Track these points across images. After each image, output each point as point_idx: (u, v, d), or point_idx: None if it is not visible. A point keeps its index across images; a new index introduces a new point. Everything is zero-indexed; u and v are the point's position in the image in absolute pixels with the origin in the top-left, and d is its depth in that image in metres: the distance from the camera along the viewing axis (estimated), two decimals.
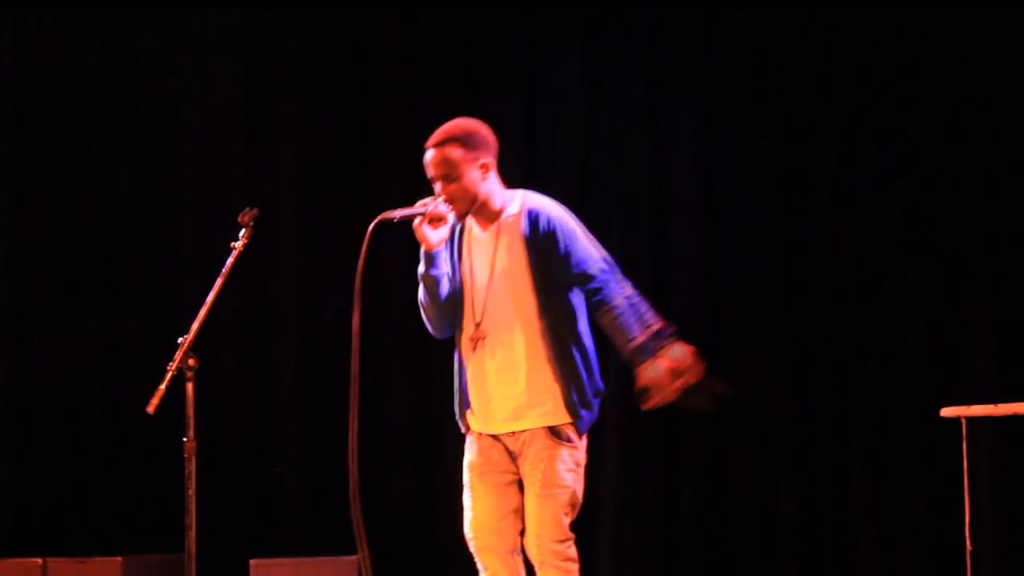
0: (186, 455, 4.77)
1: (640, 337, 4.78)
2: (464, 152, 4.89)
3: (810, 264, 7.24)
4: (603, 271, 4.87)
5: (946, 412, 6.04)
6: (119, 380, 7.90)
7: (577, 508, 4.88)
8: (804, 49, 7.29)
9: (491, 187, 4.95)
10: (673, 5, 7.45)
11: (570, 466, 4.87)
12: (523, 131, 7.60)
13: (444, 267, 4.95)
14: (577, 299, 4.91)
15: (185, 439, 4.77)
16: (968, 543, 6.03)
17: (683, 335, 7.11)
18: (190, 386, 4.74)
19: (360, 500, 4.87)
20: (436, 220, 4.87)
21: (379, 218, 4.82)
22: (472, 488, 4.99)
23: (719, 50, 7.41)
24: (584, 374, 4.88)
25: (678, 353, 4.78)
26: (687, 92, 7.43)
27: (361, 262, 4.86)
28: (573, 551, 4.86)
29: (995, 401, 6.06)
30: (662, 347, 4.77)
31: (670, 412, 7.18)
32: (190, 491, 4.76)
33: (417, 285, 4.99)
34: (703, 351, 7.18)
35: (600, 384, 4.93)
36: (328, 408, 7.78)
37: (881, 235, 7.15)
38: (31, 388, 8.07)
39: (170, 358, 4.71)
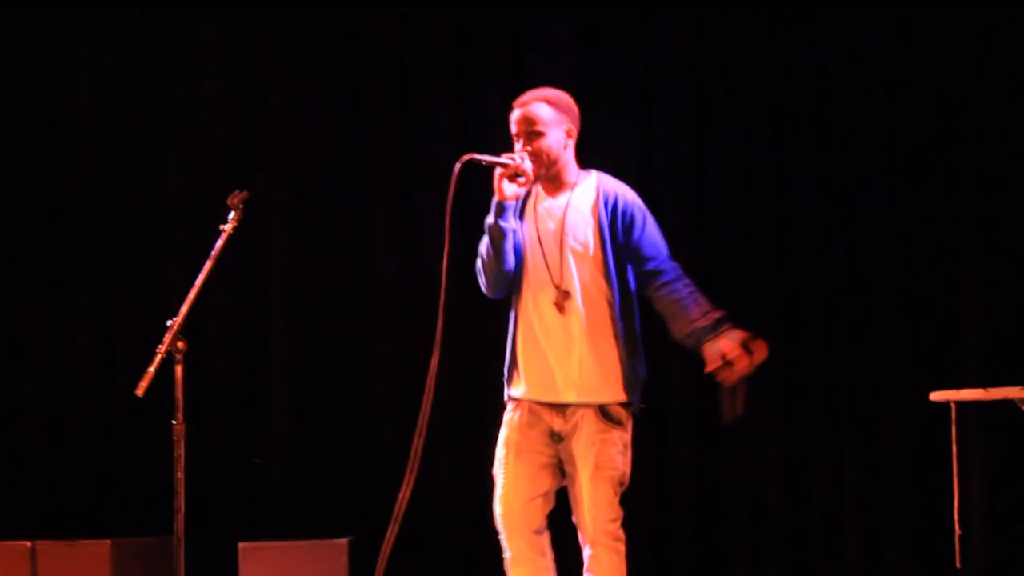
0: (175, 438, 4.78)
1: (702, 320, 4.90)
2: (553, 112, 5.01)
3: (800, 251, 7.24)
4: (670, 259, 5.02)
5: (935, 396, 6.04)
6: (108, 363, 7.88)
7: (625, 487, 4.99)
8: (795, 49, 7.29)
9: (569, 157, 5.06)
10: (665, 5, 7.44)
11: (620, 448, 4.98)
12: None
13: (513, 222, 4.99)
14: (635, 283, 5.03)
15: (174, 422, 4.77)
16: (957, 527, 6.04)
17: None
18: (179, 369, 4.75)
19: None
20: (514, 176, 4.94)
21: (466, 157, 4.88)
22: (506, 465, 5.04)
23: (711, 51, 7.40)
24: (639, 357, 5.02)
25: (739, 336, 4.88)
26: (679, 93, 7.42)
27: (450, 199, 4.89)
28: (622, 532, 4.98)
29: (984, 386, 6.07)
30: (724, 328, 4.90)
31: (659, 397, 7.26)
32: (179, 474, 4.77)
33: (480, 239, 5.03)
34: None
35: (644, 371, 5.05)
36: (318, 391, 7.78)
37: (870, 222, 7.15)
38: (19, 371, 8.05)
39: (159, 341, 4.71)
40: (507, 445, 5.04)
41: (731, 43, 7.37)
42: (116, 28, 8.06)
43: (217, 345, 7.83)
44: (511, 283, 5.05)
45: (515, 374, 5.06)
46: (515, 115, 5.02)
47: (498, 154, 4.94)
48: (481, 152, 4.95)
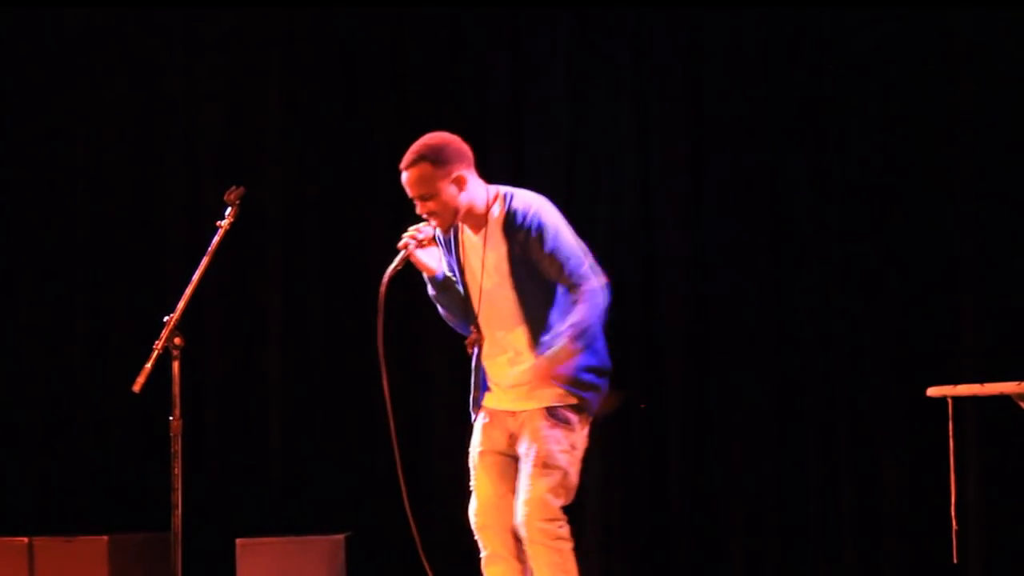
0: (172, 434, 4.77)
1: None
2: (435, 169, 4.93)
3: (797, 246, 7.24)
4: (584, 277, 4.89)
5: (932, 392, 6.04)
6: (105, 359, 7.88)
7: (571, 492, 4.93)
8: (792, 46, 7.29)
9: (472, 195, 4.99)
10: (659, 5, 7.43)
11: (564, 447, 4.93)
12: (509, 132, 7.59)
13: (452, 276, 5.08)
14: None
15: (171, 418, 4.77)
16: (954, 523, 6.04)
17: (672, 319, 7.17)
18: (176, 365, 4.75)
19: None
20: (425, 243, 5.01)
21: (385, 278, 4.93)
22: (474, 469, 5.10)
23: (706, 49, 7.39)
24: (582, 358, 4.91)
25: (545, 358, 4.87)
26: (674, 91, 7.41)
27: (380, 323, 4.92)
28: (565, 530, 4.91)
29: (981, 380, 6.06)
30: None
31: (657, 392, 7.26)
32: (176, 470, 4.76)
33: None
34: (692, 331, 7.27)
35: (606, 363, 4.98)
36: (315, 387, 7.78)
37: (867, 217, 7.15)
38: (16, 368, 8.06)
39: (156, 337, 4.71)
40: (474, 447, 5.12)
41: (728, 42, 7.36)
42: (115, 27, 8.06)
43: (214, 341, 7.83)
44: None
45: (477, 403, 5.13)
46: (404, 179, 4.97)
47: (398, 245, 4.99)
48: (387, 267, 4.97)
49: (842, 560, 7.09)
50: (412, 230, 5.03)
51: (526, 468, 4.92)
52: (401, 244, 5.00)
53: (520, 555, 5.00)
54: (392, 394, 5.00)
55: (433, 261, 5.06)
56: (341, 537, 7.24)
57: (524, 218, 4.93)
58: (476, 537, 5.07)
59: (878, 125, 7.15)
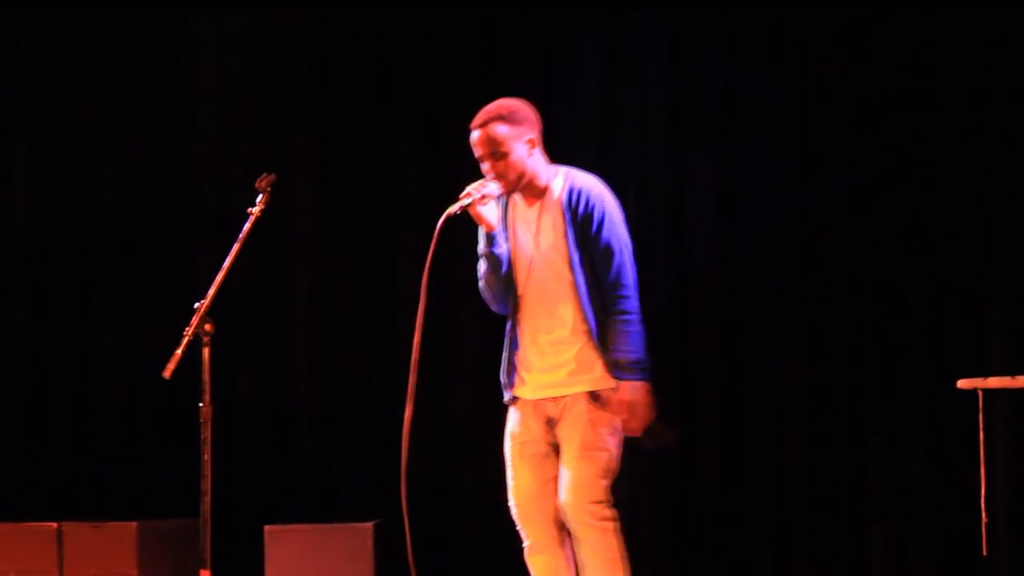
0: (202, 420, 4.78)
1: (623, 357, 4.95)
2: (509, 129, 5.01)
3: (826, 238, 7.22)
4: (625, 288, 4.98)
5: (963, 384, 6.02)
6: (136, 345, 7.90)
7: (614, 474, 4.99)
8: (823, 39, 7.25)
9: (537, 163, 5.06)
10: (692, 5, 7.41)
11: (608, 430, 4.98)
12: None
13: (504, 244, 5.09)
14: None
15: (201, 404, 4.77)
16: (984, 514, 6.02)
17: (702, 317, 7.15)
18: (206, 351, 4.75)
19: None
20: (487, 200, 5.02)
21: (443, 218, 4.95)
22: (513, 459, 5.12)
23: (738, 51, 7.37)
24: (633, 342, 4.97)
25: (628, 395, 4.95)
26: (705, 95, 7.39)
27: (429, 261, 4.96)
28: (611, 511, 4.96)
29: (1012, 373, 6.04)
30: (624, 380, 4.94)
31: (685, 385, 7.26)
32: (205, 456, 4.77)
33: (477, 264, 5.14)
34: (721, 325, 7.25)
35: (640, 352, 5.02)
36: (345, 373, 7.79)
37: (897, 207, 7.12)
38: (47, 353, 8.08)
39: (187, 323, 4.71)
40: (511, 438, 5.14)
41: (757, 47, 7.33)
42: (148, 23, 8.08)
43: (244, 328, 7.84)
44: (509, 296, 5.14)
45: (510, 378, 5.15)
46: (474, 137, 5.06)
47: (460, 195, 5.02)
48: (450, 205, 5.01)
49: (872, 551, 7.07)
50: (477, 184, 5.04)
51: (571, 451, 4.96)
52: (464, 193, 5.01)
53: (562, 544, 5.04)
54: (423, 356, 4.99)
55: (493, 217, 5.05)
56: (369, 525, 7.25)
57: (588, 201, 5.00)
58: (518, 527, 5.10)
59: (911, 116, 7.11)
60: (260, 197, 4.94)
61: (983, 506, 6.02)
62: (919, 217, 7.08)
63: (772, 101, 7.30)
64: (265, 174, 4.97)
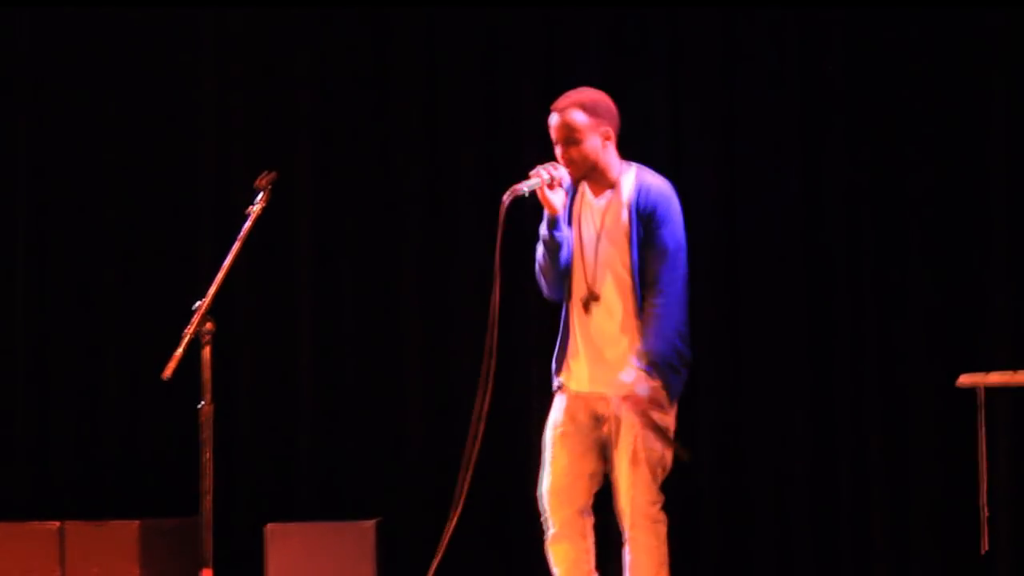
0: (202, 420, 4.78)
1: (648, 354, 4.99)
2: (588, 118, 5.07)
3: (827, 236, 7.21)
4: (667, 296, 5.04)
5: (963, 381, 6.02)
6: (136, 344, 7.90)
7: (667, 471, 5.08)
8: (824, 44, 7.25)
9: (609, 156, 5.13)
10: (693, 4, 7.41)
11: (660, 430, 5.02)
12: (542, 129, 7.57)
13: (566, 230, 5.12)
14: None
15: (202, 404, 4.78)
16: (984, 511, 6.03)
17: (702, 315, 7.17)
18: (207, 351, 4.76)
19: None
20: (555, 185, 5.07)
21: (510, 193, 5.00)
22: (553, 446, 5.15)
23: (738, 49, 7.37)
24: (676, 344, 5.05)
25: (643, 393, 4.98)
26: (706, 90, 7.38)
27: (499, 237, 5.00)
28: (663, 514, 5.05)
29: (1013, 369, 6.05)
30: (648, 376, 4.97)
31: (687, 389, 7.27)
32: (206, 456, 4.77)
33: (536, 245, 5.18)
34: (723, 322, 7.25)
35: (689, 354, 5.11)
36: (345, 373, 7.79)
37: (898, 205, 7.12)
38: (48, 353, 8.08)
39: (187, 323, 4.72)
40: (554, 427, 5.17)
41: (759, 40, 7.33)
42: (147, 23, 8.07)
43: (245, 327, 7.84)
44: (564, 284, 5.18)
45: (561, 365, 5.19)
46: (552, 121, 5.12)
47: (529, 175, 5.07)
48: (517, 183, 5.07)
49: (873, 547, 7.07)
50: (548, 165, 5.08)
51: (626, 454, 5.02)
52: (534, 173, 5.06)
53: (585, 535, 5.12)
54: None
55: (559, 201, 5.08)
56: (371, 523, 7.25)
57: (658, 201, 5.06)
58: (544, 515, 5.15)
59: (913, 115, 7.11)
60: (260, 196, 4.94)
61: (984, 502, 6.02)
62: (919, 215, 7.08)
63: (774, 102, 7.29)
64: (265, 172, 4.97)
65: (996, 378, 5.95)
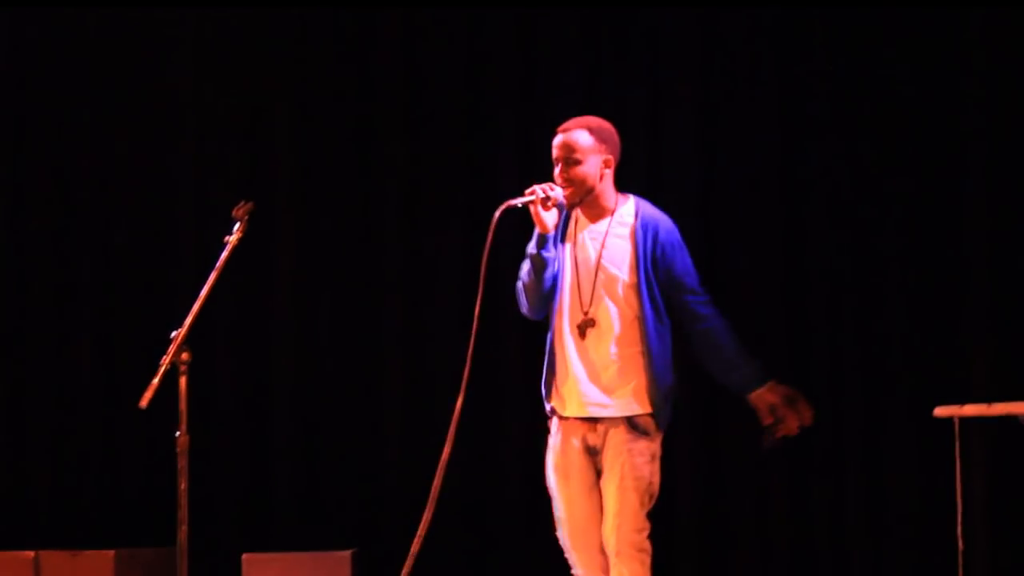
0: (179, 450, 4.78)
1: (746, 367, 5.20)
2: (592, 140, 5.16)
3: (805, 264, 7.23)
4: (704, 291, 5.22)
5: (939, 412, 6.04)
6: (112, 374, 7.89)
7: (654, 499, 5.13)
8: (803, 49, 7.27)
9: (607, 185, 5.20)
10: (672, 5, 7.43)
11: (647, 458, 5.10)
12: (521, 135, 7.58)
13: (553, 250, 5.15)
14: (665, 305, 5.17)
15: (178, 433, 4.77)
16: (960, 542, 6.03)
17: (679, 327, 7.13)
18: (183, 380, 4.76)
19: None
20: (548, 204, 5.10)
21: (503, 206, 5.05)
22: (559, 490, 5.21)
23: (717, 51, 7.38)
24: (670, 371, 5.16)
25: (783, 391, 5.24)
26: (686, 94, 7.39)
27: (487, 249, 5.02)
28: (648, 543, 5.09)
29: (988, 401, 6.06)
30: (769, 379, 5.21)
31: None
32: (182, 485, 4.77)
33: (522, 263, 5.21)
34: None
35: (674, 383, 5.19)
36: (322, 402, 7.78)
37: (875, 234, 7.13)
38: (24, 381, 8.06)
39: (163, 352, 4.71)
40: (556, 471, 5.22)
41: (737, 43, 7.34)
42: (123, 29, 8.05)
43: (222, 356, 7.83)
44: (549, 304, 5.21)
45: (550, 391, 5.24)
46: (556, 140, 5.19)
47: (525, 191, 5.10)
48: (512, 198, 5.10)
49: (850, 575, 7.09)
50: (545, 184, 5.12)
51: (613, 481, 5.07)
52: (529, 191, 5.10)
53: (606, 570, 5.13)
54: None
55: (551, 221, 5.11)
56: (347, 553, 7.23)
57: (664, 232, 5.16)
58: (568, 555, 5.22)
59: (892, 143, 7.11)
60: (237, 225, 4.95)
61: (959, 533, 6.03)
62: (899, 243, 7.09)
63: (753, 109, 7.29)
64: (242, 202, 4.98)
65: (971, 410, 5.96)
